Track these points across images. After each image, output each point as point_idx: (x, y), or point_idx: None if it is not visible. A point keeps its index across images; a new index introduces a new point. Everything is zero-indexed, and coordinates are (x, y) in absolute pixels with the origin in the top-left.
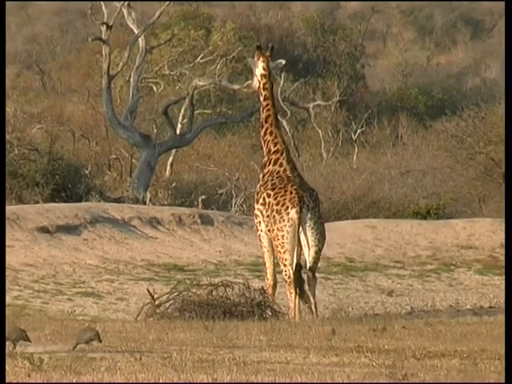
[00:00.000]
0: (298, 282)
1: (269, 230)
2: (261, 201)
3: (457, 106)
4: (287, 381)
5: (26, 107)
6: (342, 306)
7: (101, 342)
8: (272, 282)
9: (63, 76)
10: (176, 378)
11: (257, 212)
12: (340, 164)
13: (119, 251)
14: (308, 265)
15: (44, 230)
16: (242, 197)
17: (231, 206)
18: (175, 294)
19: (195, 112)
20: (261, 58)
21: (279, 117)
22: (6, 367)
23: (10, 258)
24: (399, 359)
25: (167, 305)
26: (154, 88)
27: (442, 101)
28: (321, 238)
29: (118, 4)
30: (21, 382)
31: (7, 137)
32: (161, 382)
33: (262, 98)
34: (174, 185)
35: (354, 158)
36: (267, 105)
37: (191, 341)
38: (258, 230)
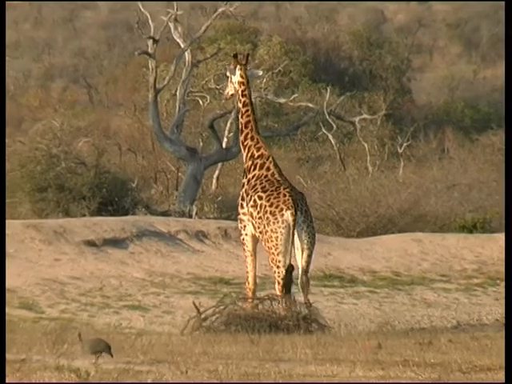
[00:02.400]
0: (288, 282)
1: (260, 232)
2: (251, 203)
3: (503, 120)
4: None
5: (72, 121)
6: (388, 320)
7: (112, 356)
8: (253, 287)
9: (110, 90)
10: None
11: (242, 217)
12: (386, 178)
13: (165, 264)
14: (301, 268)
15: (91, 243)
16: None
17: None
18: (221, 307)
19: None
20: (238, 66)
21: (325, 130)
22: (53, 380)
23: (57, 271)
24: (445, 373)
25: (213, 318)
26: (200, 102)
27: (488, 114)
28: (313, 241)
29: (164, 18)
30: None
31: (54, 150)
32: None
33: (240, 105)
34: (220, 198)
35: (400, 171)
36: (247, 111)
37: (237, 354)
38: (241, 235)
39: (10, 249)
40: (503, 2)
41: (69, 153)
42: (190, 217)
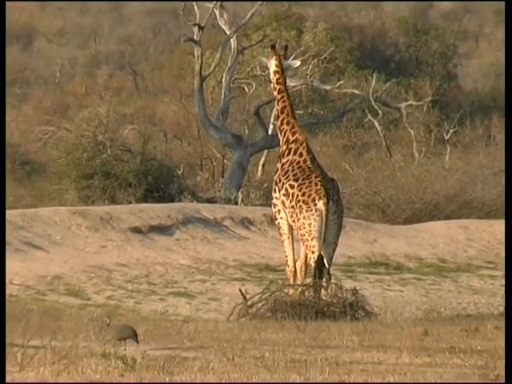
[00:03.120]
0: (319, 267)
1: (293, 221)
2: (283, 191)
3: None
4: (380, 381)
5: (118, 108)
6: (434, 307)
7: (138, 342)
8: (293, 269)
9: (155, 77)
10: (268, 378)
11: (275, 201)
12: (432, 164)
13: (211, 251)
14: (325, 258)
15: (137, 230)
16: None
17: None
18: (267, 294)
19: None
20: (273, 57)
21: (370, 117)
22: (99, 367)
23: (104, 258)
24: (492, 360)
25: (259, 305)
26: (246, 89)
27: None
28: (339, 233)
29: (210, 5)
30: (114, 382)
31: (100, 137)
32: (253, 381)
33: (276, 92)
34: (265, 185)
35: (447, 158)
36: (282, 97)
37: (283, 341)
38: (276, 219)
39: (56, 236)
40: None
41: (115, 140)
42: (236, 204)
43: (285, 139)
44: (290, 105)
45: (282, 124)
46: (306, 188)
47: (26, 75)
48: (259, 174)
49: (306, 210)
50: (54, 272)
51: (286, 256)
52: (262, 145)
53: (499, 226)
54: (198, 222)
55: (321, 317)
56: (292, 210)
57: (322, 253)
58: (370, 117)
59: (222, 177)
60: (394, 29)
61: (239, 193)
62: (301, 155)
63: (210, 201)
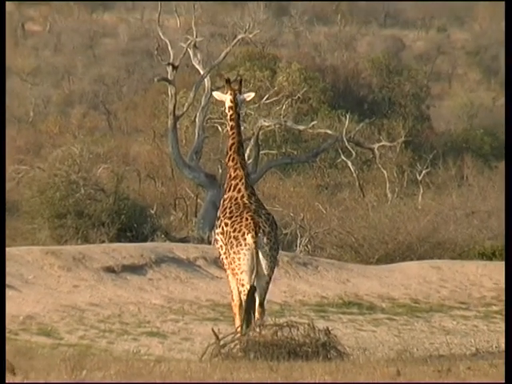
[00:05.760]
0: (251, 302)
1: (226, 258)
2: (220, 229)
3: None
4: None
5: (92, 147)
6: (406, 347)
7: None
8: (238, 303)
9: (129, 116)
10: None
11: (217, 237)
12: (405, 204)
13: (184, 291)
14: (258, 292)
15: (110, 269)
16: (306, 237)
17: (296, 246)
18: (240, 334)
19: (260, 152)
20: (229, 92)
21: (344, 157)
22: None
23: (76, 298)
24: None
25: (232, 345)
26: (220, 128)
27: None
28: (273, 266)
29: (183, 45)
30: None
31: (74, 177)
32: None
33: (228, 128)
34: None
35: (419, 198)
36: (233, 133)
37: (256, 381)
38: (220, 255)
39: (28, 275)
40: None
41: (88, 179)
42: (209, 243)
43: (228, 175)
44: (238, 141)
45: (228, 160)
46: (237, 224)
47: None
48: None
49: (236, 245)
50: (27, 311)
51: (231, 291)
52: None
53: (472, 266)
54: (171, 261)
55: (293, 357)
56: (226, 247)
57: (255, 285)
58: (343, 157)
59: (196, 216)
60: (367, 69)
61: (212, 232)
62: (239, 191)
63: (183, 240)
